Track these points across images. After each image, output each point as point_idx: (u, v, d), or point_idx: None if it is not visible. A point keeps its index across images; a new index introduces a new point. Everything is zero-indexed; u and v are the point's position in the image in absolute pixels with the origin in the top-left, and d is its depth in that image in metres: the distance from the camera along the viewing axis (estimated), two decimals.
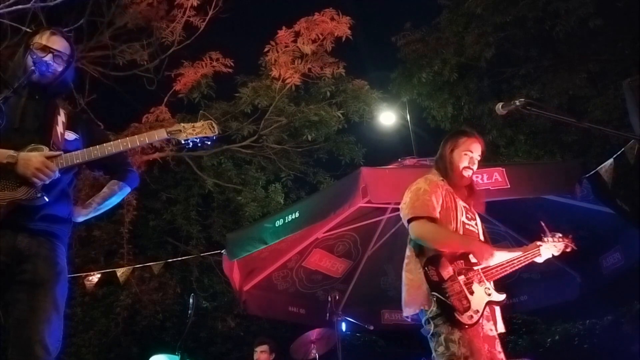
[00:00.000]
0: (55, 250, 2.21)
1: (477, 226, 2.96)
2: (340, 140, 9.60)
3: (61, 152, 2.19)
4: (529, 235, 3.28)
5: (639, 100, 3.37)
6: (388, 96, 9.88)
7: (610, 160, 4.23)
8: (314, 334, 5.31)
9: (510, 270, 2.87)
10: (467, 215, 2.93)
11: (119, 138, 2.38)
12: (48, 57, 2.29)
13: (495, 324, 2.81)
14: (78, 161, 2.20)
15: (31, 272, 2.11)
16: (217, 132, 2.24)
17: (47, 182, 2.13)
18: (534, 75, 9.16)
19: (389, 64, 10.84)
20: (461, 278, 2.72)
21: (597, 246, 4.78)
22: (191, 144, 2.25)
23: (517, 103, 2.65)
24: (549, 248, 3.00)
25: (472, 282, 2.73)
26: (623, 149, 4.18)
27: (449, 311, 2.64)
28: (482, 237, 2.96)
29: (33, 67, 2.25)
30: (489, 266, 2.82)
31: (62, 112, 2.36)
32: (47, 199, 2.14)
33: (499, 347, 2.78)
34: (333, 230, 5.20)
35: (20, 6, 5.83)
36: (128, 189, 2.51)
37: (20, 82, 2.25)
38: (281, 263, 5.26)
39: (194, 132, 2.25)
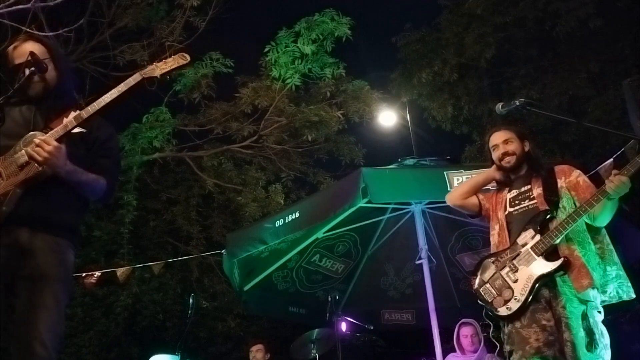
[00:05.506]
0: (60, 244, 2.16)
1: (531, 201, 2.87)
2: (340, 140, 9.59)
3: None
4: None
5: (639, 100, 3.37)
6: (388, 96, 9.87)
7: (610, 160, 4.22)
8: (313, 334, 5.33)
9: (573, 223, 2.64)
10: (517, 200, 2.94)
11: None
12: (27, 72, 2.20)
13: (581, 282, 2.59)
14: (72, 125, 2.13)
15: (31, 266, 2.07)
16: (189, 59, 2.24)
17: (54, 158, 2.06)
18: (534, 76, 9.15)
19: (389, 64, 10.85)
20: (504, 271, 2.76)
21: None
22: (167, 77, 2.26)
23: (517, 103, 2.66)
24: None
25: (517, 269, 2.72)
26: (623, 149, 4.17)
27: (491, 311, 2.74)
28: (542, 206, 2.80)
29: (27, 90, 2.23)
30: (541, 234, 2.70)
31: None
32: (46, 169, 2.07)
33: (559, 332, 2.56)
34: (333, 230, 5.19)
35: (20, 6, 5.83)
36: (101, 187, 2.29)
37: (10, 93, 2.20)
38: (281, 263, 5.26)
39: (166, 66, 2.25)
